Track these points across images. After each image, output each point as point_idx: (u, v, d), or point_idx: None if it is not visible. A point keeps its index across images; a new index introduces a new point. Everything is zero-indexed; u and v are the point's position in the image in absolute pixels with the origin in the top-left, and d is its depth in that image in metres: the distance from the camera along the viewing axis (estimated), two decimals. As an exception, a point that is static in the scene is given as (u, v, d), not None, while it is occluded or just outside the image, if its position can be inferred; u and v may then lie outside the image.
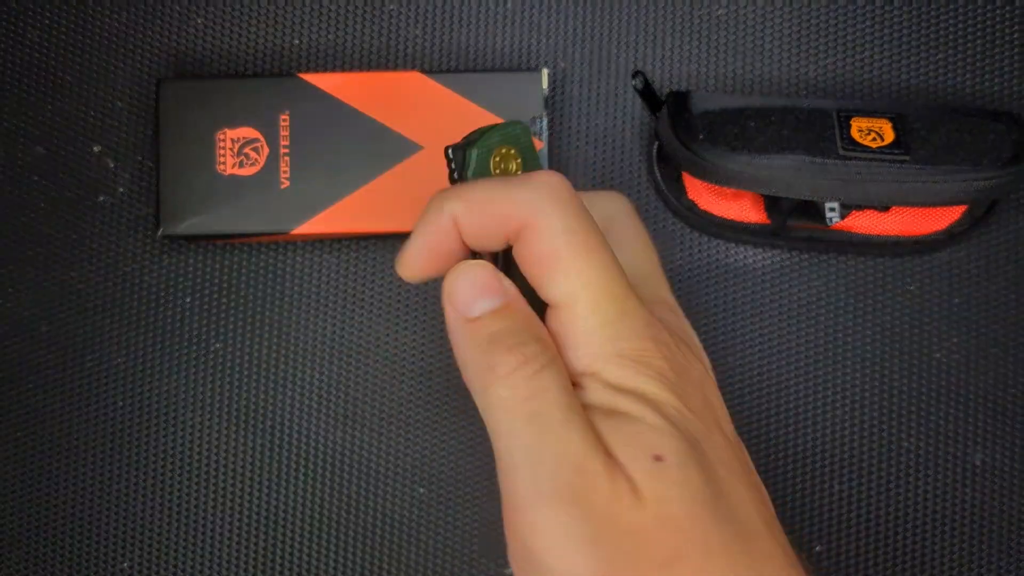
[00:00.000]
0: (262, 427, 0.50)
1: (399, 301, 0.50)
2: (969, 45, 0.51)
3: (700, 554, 0.26)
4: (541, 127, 0.47)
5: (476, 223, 0.29)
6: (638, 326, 0.28)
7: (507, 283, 0.29)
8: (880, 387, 0.50)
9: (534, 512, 0.26)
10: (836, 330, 0.50)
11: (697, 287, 0.50)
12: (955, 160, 0.45)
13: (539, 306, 0.30)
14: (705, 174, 0.45)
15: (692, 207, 0.49)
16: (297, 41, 0.51)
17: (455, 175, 0.32)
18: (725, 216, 0.49)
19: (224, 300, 0.50)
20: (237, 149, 0.47)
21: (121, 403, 0.50)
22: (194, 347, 0.50)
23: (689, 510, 0.26)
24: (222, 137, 0.48)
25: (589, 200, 0.32)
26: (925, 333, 0.50)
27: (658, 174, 0.49)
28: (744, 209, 0.49)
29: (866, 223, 0.48)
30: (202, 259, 0.50)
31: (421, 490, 0.50)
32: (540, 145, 0.47)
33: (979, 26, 0.51)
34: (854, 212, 0.48)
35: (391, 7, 0.51)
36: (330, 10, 0.51)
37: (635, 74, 0.46)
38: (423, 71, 0.48)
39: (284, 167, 0.47)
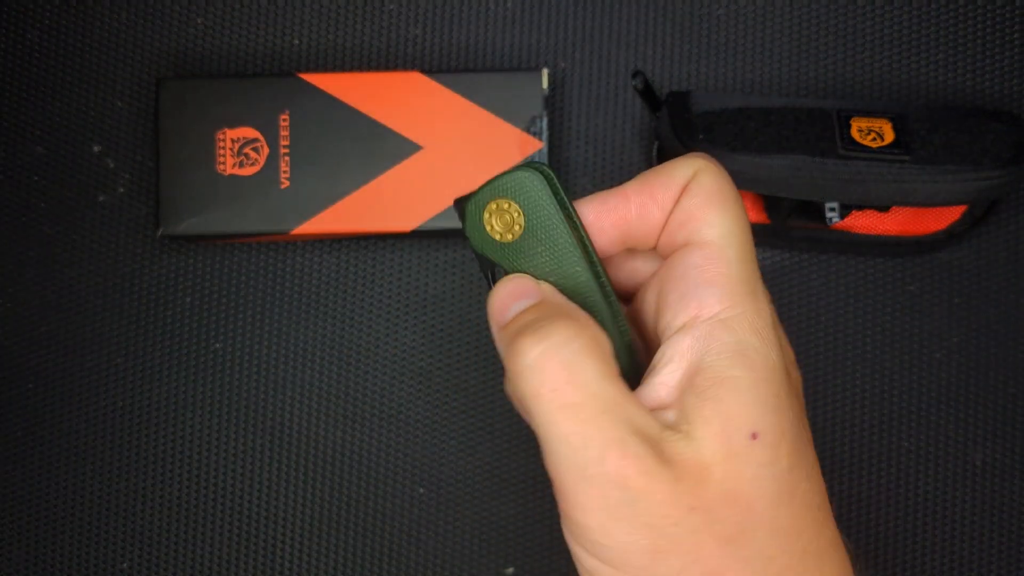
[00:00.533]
0: (262, 427, 0.50)
1: (399, 301, 0.50)
2: (969, 45, 0.51)
3: (766, 533, 0.27)
4: (541, 127, 0.47)
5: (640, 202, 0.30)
6: (763, 285, 0.29)
7: (544, 285, 0.29)
8: (880, 387, 0.50)
9: (584, 496, 0.26)
10: (836, 330, 0.50)
11: (697, 287, 0.50)
12: (955, 160, 0.45)
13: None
14: (705, 174, 0.45)
15: (692, 207, 0.49)
16: (297, 41, 0.51)
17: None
18: (725, 216, 0.49)
19: (224, 300, 0.50)
20: (237, 149, 0.47)
21: (121, 403, 0.50)
22: (194, 347, 0.50)
23: (763, 489, 0.27)
24: (222, 137, 0.48)
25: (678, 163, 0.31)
26: (925, 333, 0.50)
27: (658, 174, 0.49)
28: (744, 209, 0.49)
29: (866, 223, 0.48)
30: (202, 259, 0.50)
31: (421, 490, 0.50)
32: (540, 145, 0.47)
33: (979, 26, 0.51)
34: (854, 212, 0.48)
35: (391, 7, 0.51)
36: (330, 10, 0.51)
37: (635, 74, 0.46)
38: (423, 71, 0.48)
39: (284, 167, 0.47)
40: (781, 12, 0.51)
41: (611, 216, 0.30)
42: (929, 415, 0.50)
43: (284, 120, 0.48)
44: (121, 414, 0.50)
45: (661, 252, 0.31)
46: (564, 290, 0.30)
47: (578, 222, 0.31)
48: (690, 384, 0.27)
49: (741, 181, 0.45)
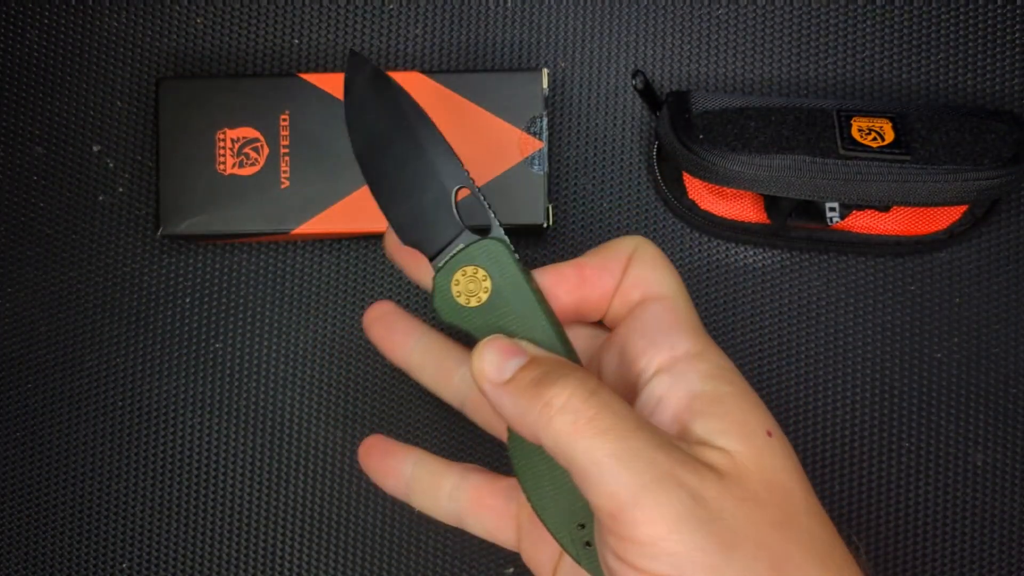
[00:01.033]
0: (262, 427, 0.50)
1: (399, 301, 0.50)
2: (969, 45, 0.51)
3: (806, 515, 0.29)
4: (541, 127, 0.47)
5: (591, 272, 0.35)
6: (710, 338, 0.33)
7: (524, 343, 0.32)
8: (880, 387, 0.50)
9: (642, 506, 0.27)
10: (836, 330, 0.50)
11: (697, 287, 0.50)
12: (955, 160, 0.45)
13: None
14: (705, 174, 0.45)
15: (692, 207, 0.49)
16: (297, 41, 0.51)
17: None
18: (725, 216, 0.49)
19: (224, 300, 0.50)
20: (237, 149, 0.47)
21: (121, 403, 0.50)
22: (194, 347, 0.50)
23: (795, 478, 0.30)
24: (222, 137, 0.48)
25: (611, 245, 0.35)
26: (925, 333, 0.50)
27: (658, 174, 0.49)
28: (744, 209, 0.49)
29: (866, 223, 0.48)
30: (202, 259, 0.50)
31: (421, 490, 0.50)
32: (540, 145, 0.47)
33: (979, 26, 0.51)
34: (854, 212, 0.48)
35: (391, 7, 0.51)
36: (330, 10, 0.51)
37: (635, 74, 0.46)
38: (423, 71, 0.48)
39: (284, 167, 0.47)
40: (781, 12, 0.51)
41: (566, 284, 0.34)
42: (929, 415, 0.50)
43: (284, 120, 0.48)
44: (121, 414, 0.50)
45: (613, 317, 0.34)
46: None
47: (536, 288, 0.33)
48: (689, 412, 0.30)
49: (741, 181, 0.45)
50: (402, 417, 0.50)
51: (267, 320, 0.50)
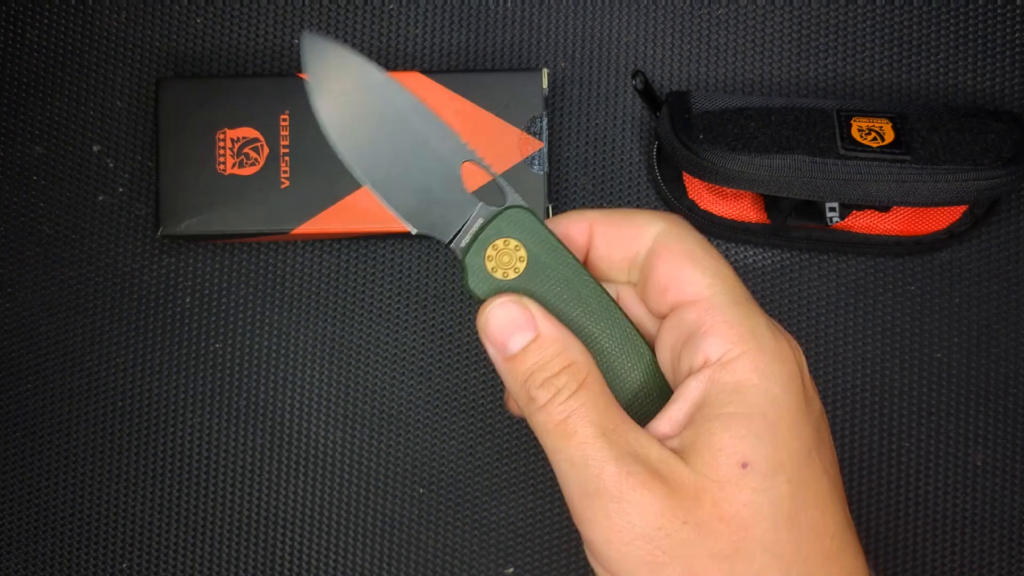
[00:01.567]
0: (262, 427, 0.50)
1: (399, 301, 0.50)
2: (969, 45, 0.51)
3: (765, 555, 0.29)
4: (541, 127, 0.47)
5: (610, 234, 0.34)
6: (770, 325, 0.31)
7: (535, 309, 0.32)
8: (880, 387, 0.50)
9: (587, 510, 0.30)
10: (836, 330, 0.50)
11: (697, 287, 0.50)
12: (955, 160, 0.45)
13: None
14: (705, 174, 0.45)
15: (692, 207, 0.49)
16: (297, 41, 0.51)
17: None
18: (725, 216, 0.49)
19: (224, 300, 0.50)
20: (237, 149, 0.47)
21: (121, 403, 0.50)
22: (194, 347, 0.50)
23: (760, 514, 0.29)
24: (222, 137, 0.48)
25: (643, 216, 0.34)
26: (925, 333, 0.50)
27: (658, 174, 0.49)
28: (744, 209, 0.49)
29: (866, 223, 0.48)
30: (202, 259, 0.50)
31: (421, 490, 0.50)
32: (540, 145, 0.47)
33: (979, 26, 0.51)
34: (854, 212, 0.48)
35: (391, 7, 0.51)
36: (330, 10, 0.51)
37: (635, 74, 0.46)
38: (423, 71, 0.48)
39: (284, 167, 0.47)
40: (781, 12, 0.51)
41: (575, 240, 0.34)
42: (929, 415, 0.50)
43: (284, 120, 0.48)
44: (121, 414, 0.50)
45: (655, 312, 0.33)
46: (576, 317, 0.32)
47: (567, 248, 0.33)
48: (691, 420, 0.30)
49: (741, 181, 0.45)
50: (402, 417, 0.50)
51: (267, 320, 0.50)
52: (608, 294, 0.32)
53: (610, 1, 0.51)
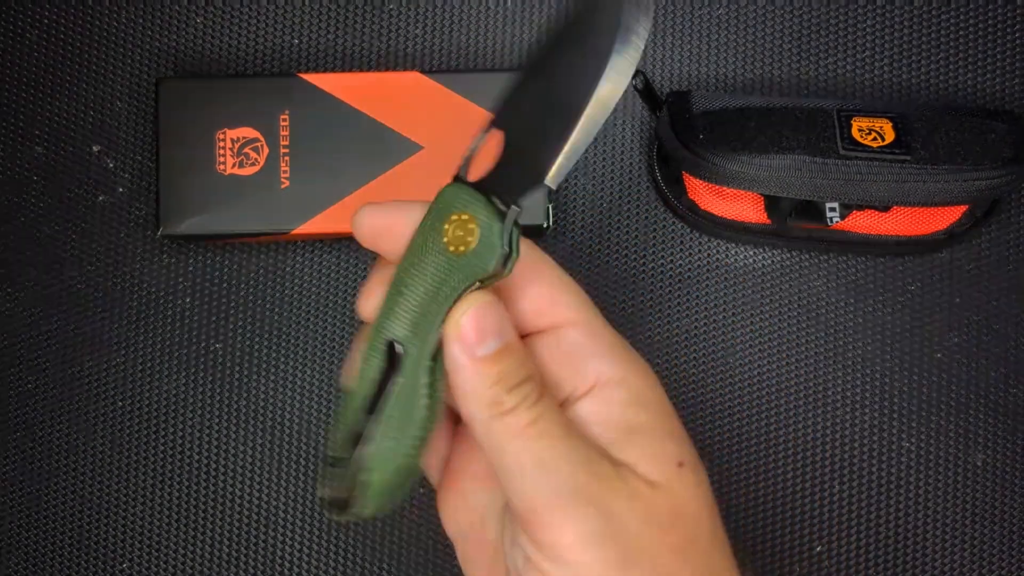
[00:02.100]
0: (262, 427, 0.50)
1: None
2: (969, 45, 0.51)
3: (708, 541, 0.31)
4: (541, 127, 0.47)
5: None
6: (634, 354, 0.33)
7: (506, 322, 0.32)
8: (880, 387, 0.50)
9: (556, 513, 0.30)
10: (836, 330, 0.50)
11: (697, 287, 0.50)
12: (955, 160, 0.45)
13: None
14: (705, 174, 0.45)
15: (692, 207, 0.49)
16: (297, 41, 0.51)
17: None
18: (725, 216, 0.49)
19: (224, 300, 0.50)
20: (237, 149, 0.47)
21: (121, 403, 0.50)
22: (194, 347, 0.50)
23: (703, 505, 0.31)
24: (222, 137, 0.48)
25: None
26: (925, 333, 0.50)
27: (658, 174, 0.49)
28: (744, 209, 0.49)
29: (866, 223, 0.48)
30: (202, 259, 0.50)
31: (421, 490, 0.50)
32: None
33: (979, 26, 0.51)
34: (854, 212, 0.48)
35: (391, 7, 0.51)
36: (330, 10, 0.51)
37: (635, 74, 0.46)
38: (423, 71, 0.48)
39: (284, 167, 0.47)
40: (781, 12, 0.51)
41: None
42: (929, 415, 0.50)
43: (284, 120, 0.48)
44: (121, 414, 0.50)
45: (519, 327, 0.33)
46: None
47: None
48: (606, 440, 0.31)
49: (741, 181, 0.45)
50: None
51: (267, 320, 0.50)
52: None
53: (610, 1, 0.51)
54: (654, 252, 0.50)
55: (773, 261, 0.50)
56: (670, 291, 0.50)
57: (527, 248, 0.33)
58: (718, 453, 0.49)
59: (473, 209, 0.31)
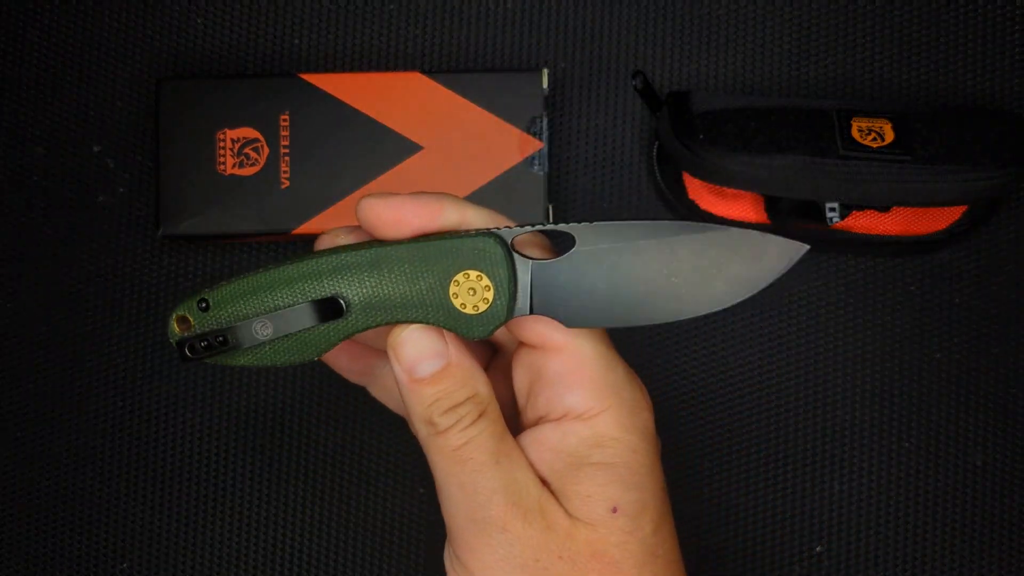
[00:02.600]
0: (262, 427, 0.50)
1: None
2: (969, 45, 0.51)
3: None
4: (541, 127, 0.47)
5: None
6: (628, 376, 0.33)
7: (450, 338, 0.32)
8: (880, 387, 0.50)
9: (472, 537, 0.31)
10: (836, 330, 0.50)
11: (697, 287, 0.50)
12: (955, 160, 0.45)
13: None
14: (705, 174, 0.45)
15: (693, 207, 0.49)
16: (297, 41, 0.51)
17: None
18: (725, 216, 0.49)
19: (224, 300, 0.50)
20: (237, 149, 0.47)
21: (121, 403, 0.50)
22: (194, 347, 0.50)
23: (630, 553, 0.32)
24: (222, 137, 0.48)
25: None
26: (925, 333, 0.50)
27: (658, 174, 0.49)
28: (744, 209, 0.49)
29: (866, 223, 0.48)
30: (202, 259, 0.50)
31: (421, 490, 0.50)
32: (540, 145, 0.47)
33: (979, 26, 0.51)
34: (854, 212, 0.48)
35: (391, 7, 0.51)
36: (330, 10, 0.51)
37: (635, 74, 0.46)
38: (423, 71, 0.48)
39: (284, 167, 0.47)
40: (781, 12, 0.51)
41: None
42: (929, 415, 0.50)
43: (284, 120, 0.48)
44: (121, 414, 0.50)
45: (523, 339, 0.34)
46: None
47: None
48: (551, 469, 0.32)
49: (741, 181, 0.45)
50: (402, 417, 0.50)
51: (267, 320, 0.50)
52: None
53: (610, 1, 0.51)
54: (654, 252, 0.50)
55: (773, 261, 0.50)
56: (670, 291, 0.50)
57: None
58: (718, 453, 0.50)
59: (495, 275, 0.32)
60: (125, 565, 0.50)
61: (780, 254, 0.32)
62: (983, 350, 0.50)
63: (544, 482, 0.32)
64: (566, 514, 0.32)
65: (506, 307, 0.32)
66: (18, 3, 0.51)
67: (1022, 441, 0.49)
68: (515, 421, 0.35)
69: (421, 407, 0.32)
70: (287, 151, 0.47)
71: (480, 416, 0.32)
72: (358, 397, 0.50)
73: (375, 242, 0.33)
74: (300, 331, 0.32)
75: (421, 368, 0.32)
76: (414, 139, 0.47)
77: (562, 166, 0.51)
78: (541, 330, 0.33)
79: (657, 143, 0.49)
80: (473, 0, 0.51)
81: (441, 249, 0.31)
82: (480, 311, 0.32)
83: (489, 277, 0.31)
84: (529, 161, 0.47)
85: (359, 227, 0.34)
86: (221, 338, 0.32)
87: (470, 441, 0.31)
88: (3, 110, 0.51)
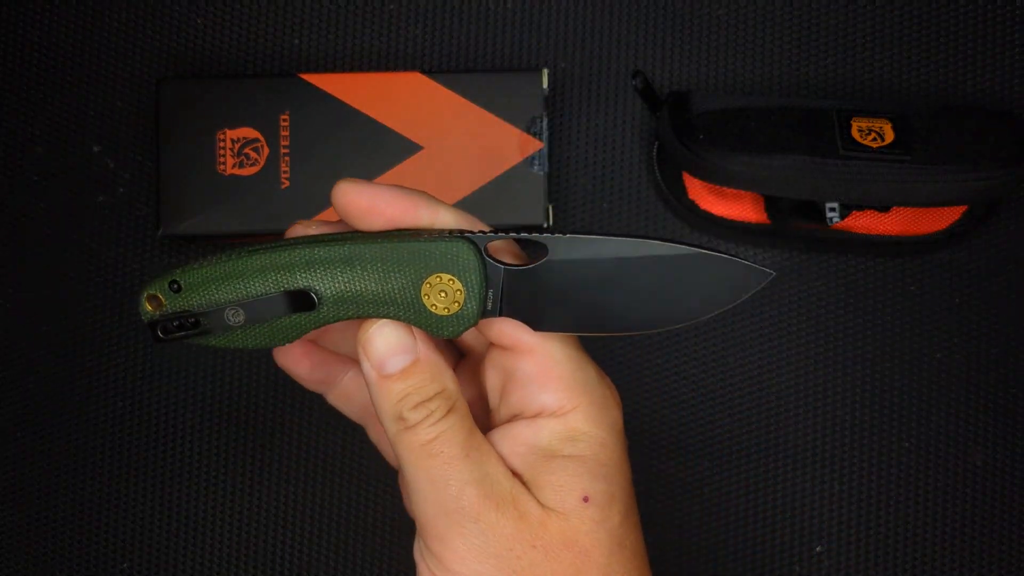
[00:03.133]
0: (262, 427, 0.50)
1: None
2: (969, 45, 0.51)
3: (600, 574, 0.33)
4: (541, 127, 0.47)
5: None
6: (598, 376, 0.34)
7: (418, 334, 0.33)
8: (880, 387, 0.50)
9: (445, 529, 0.32)
10: (836, 330, 0.50)
11: (697, 287, 0.50)
12: (955, 160, 0.45)
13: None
14: (705, 174, 0.45)
15: (693, 207, 0.49)
16: (297, 41, 0.51)
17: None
18: (725, 216, 0.49)
19: (224, 300, 0.50)
20: (237, 149, 0.47)
21: (121, 403, 0.50)
22: (194, 347, 0.50)
23: (599, 541, 0.33)
24: (222, 137, 0.48)
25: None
26: (925, 333, 0.50)
27: (658, 174, 0.49)
28: (744, 209, 0.49)
29: (866, 223, 0.48)
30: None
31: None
32: (540, 145, 0.47)
33: (979, 26, 0.51)
34: (854, 212, 0.48)
35: (391, 7, 0.51)
36: (330, 10, 0.51)
37: (635, 74, 0.46)
38: (423, 71, 0.48)
39: (284, 167, 0.47)
40: (781, 12, 0.51)
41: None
42: (929, 415, 0.50)
43: (284, 120, 0.48)
44: (121, 414, 0.50)
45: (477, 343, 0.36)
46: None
47: None
48: (524, 462, 0.33)
49: (741, 181, 0.45)
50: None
51: (267, 320, 0.50)
52: None
53: (610, 1, 0.51)
54: (654, 252, 0.50)
55: (773, 261, 0.50)
56: (670, 291, 0.50)
57: None
58: (718, 453, 0.50)
59: (467, 280, 0.32)
60: (125, 565, 0.50)
61: (747, 278, 0.34)
62: (983, 350, 0.50)
63: (517, 475, 0.33)
64: (538, 504, 0.32)
65: (476, 310, 0.32)
66: (18, 3, 0.51)
67: (1022, 441, 0.49)
68: (482, 421, 0.35)
69: (390, 403, 0.32)
70: (287, 151, 0.47)
71: (449, 411, 0.32)
72: (358, 397, 0.50)
73: (349, 235, 0.33)
74: (272, 320, 0.32)
75: (390, 364, 0.32)
76: (414, 139, 0.47)
77: (562, 166, 0.51)
78: (511, 332, 0.33)
79: (657, 143, 0.49)
80: (473, 0, 0.51)
81: (415, 251, 0.32)
82: (451, 312, 0.32)
83: (461, 281, 0.32)
84: (529, 161, 0.47)
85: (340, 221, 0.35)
86: (193, 320, 0.32)
87: (440, 435, 0.32)
88: (3, 110, 0.51)
